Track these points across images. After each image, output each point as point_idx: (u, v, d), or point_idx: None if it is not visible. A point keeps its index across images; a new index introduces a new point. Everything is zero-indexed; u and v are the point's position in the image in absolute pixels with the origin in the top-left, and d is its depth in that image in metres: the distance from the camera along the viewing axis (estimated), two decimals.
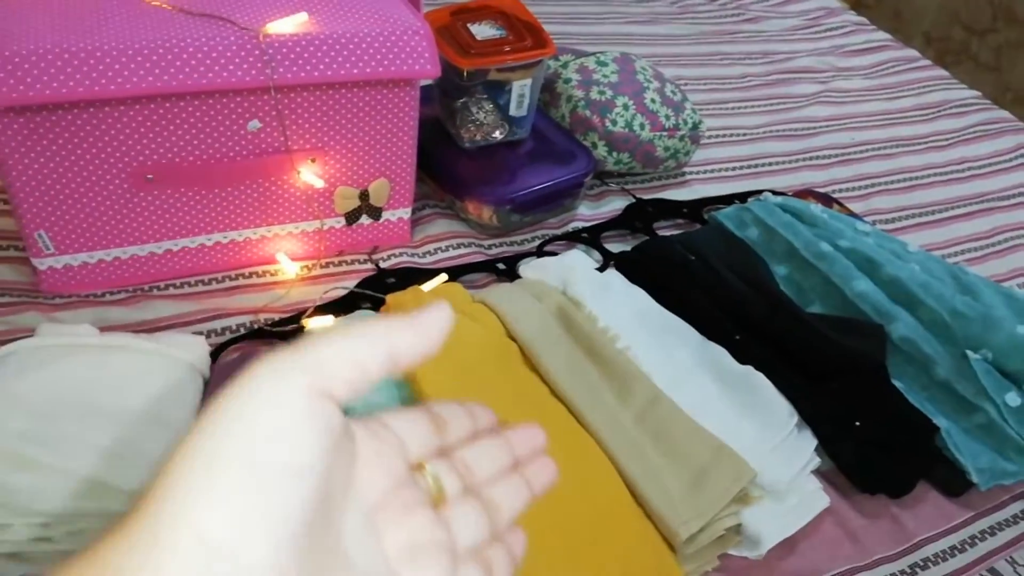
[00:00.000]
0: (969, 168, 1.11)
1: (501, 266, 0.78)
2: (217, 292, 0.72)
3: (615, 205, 0.90)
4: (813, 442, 0.63)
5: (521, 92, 0.83)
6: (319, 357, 0.23)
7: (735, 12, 1.43)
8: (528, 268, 0.75)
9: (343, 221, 0.76)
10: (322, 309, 0.70)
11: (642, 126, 0.90)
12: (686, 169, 1.00)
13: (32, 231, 0.65)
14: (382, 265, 0.77)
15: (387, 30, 0.67)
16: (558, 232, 0.85)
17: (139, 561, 0.19)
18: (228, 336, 0.67)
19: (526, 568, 0.52)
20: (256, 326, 0.68)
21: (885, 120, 1.19)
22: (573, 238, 0.83)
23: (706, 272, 0.75)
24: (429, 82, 0.84)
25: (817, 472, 0.63)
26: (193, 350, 0.60)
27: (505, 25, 0.82)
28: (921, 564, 0.61)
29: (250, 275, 0.74)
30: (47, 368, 0.55)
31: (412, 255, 0.79)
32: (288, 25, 0.65)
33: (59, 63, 0.58)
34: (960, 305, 0.72)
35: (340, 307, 0.70)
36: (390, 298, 0.68)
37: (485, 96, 0.83)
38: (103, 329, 0.61)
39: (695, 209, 0.90)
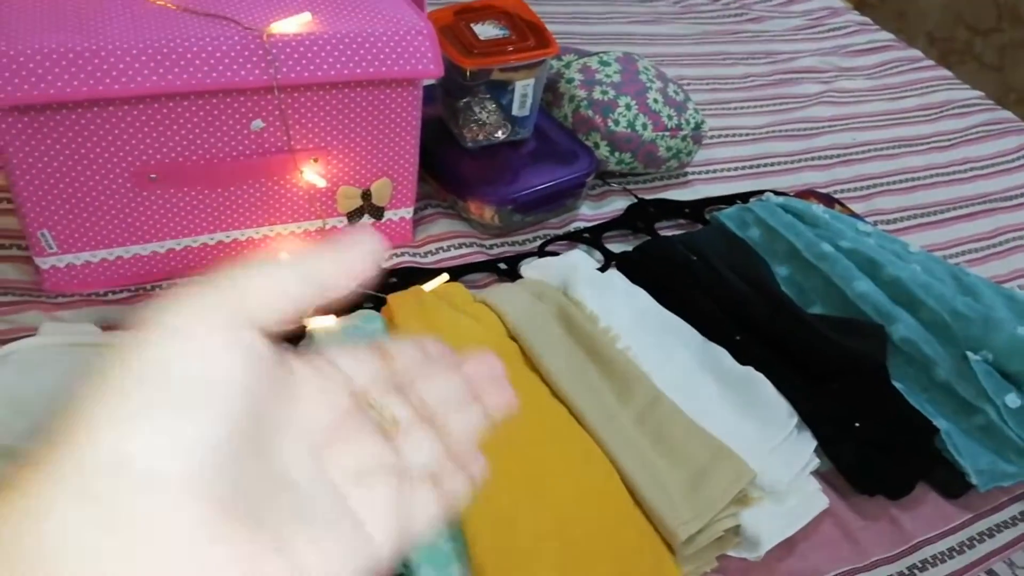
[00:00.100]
0: (972, 169, 1.11)
1: (502, 266, 0.78)
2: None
3: (617, 205, 0.91)
4: (813, 443, 0.64)
5: (524, 92, 0.83)
6: (240, 286, 0.23)
7: (738, 12, 1.43)
8: (529, 268, 0.76)
9: (345, 221, 0.76)
10: (323, 308, 0.70)
11: (644, 126, 0.90)
12: (688, 169, 1.00)
13: (35, 230, 0.65)
14: (384, 265, 0.77)
15: (390, 30, 0.67)
16: (560, 232, 0.85)
17: (58, 487, 0.19)
18: None
19: (525, 569, 0.52)
20: None
21: (888, 120, 1.19)
22: (575, 238, 0.83)
23: (707, 272, 0.76)
24: (432, 82, 0.84)
25: (816, 473, 0.63)
26: None
27: (508, 25, 0.82)
28: (920, 566, 0.61)
29: None
30: (49, 367, 0.55)
31: (414, 255, 0.80)
32: (292, 25, 0.65)
33: (63, 62, 0.58)
34: (961, 306, 0.72)
35: (341, 307, 0.70)
36: (391, 298, 0.68)
37: (488, 96, 0.84)
38: (105, 328, 0.62)
39: (697, 209, 0.90)
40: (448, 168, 0.84)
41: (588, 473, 0.58)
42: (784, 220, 0.82)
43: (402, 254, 0.79)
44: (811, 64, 1.30)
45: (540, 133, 0.88)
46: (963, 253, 0.95)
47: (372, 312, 0.70)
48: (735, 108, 1.15)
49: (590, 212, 0.90)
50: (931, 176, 1.08)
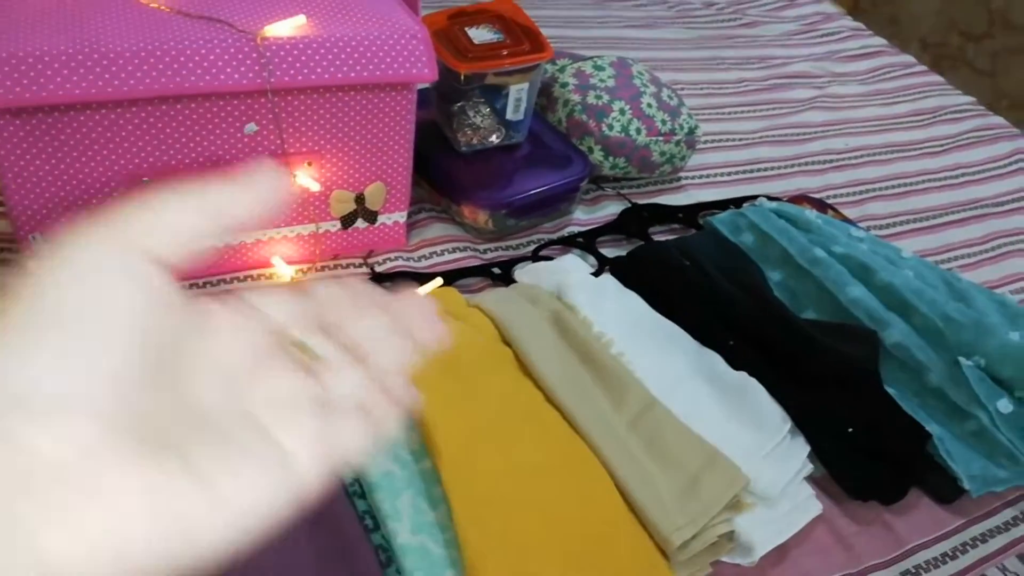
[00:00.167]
0: (964, 174, 1.12)
1: (496, 271, 0.78)
2: (212, 295, 0.72)
3: (611, 210, 0.91)
4: (806, 448, 0.64)
5: (518, 96, 0.83)
6: (138, 220, 0.23)
7: (732, 17, 1.43)
8: (523, 273, 0.76)
9: (339, 225, 0.76)
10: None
11: (638, 131, 0.90)
12: (682, 174, 1.00)
13: (26, 234, 0.65)
14: (377, 269, 0.77)
15: (384, 34, 0.67)
16: (553, 237, 0.85)
17: None
18: None
19: (519, 573, 0.52)
20: None
21: (880, 126, 1.19)
22: (568, 243, 0.83)
23: (701, 278, 0.76)
24: (426, 86, 0.84)
25: (810, 479, 0.63)
26: None
27: (502, 29, 0.82)
28: (913, 571, 0.61)
29: (245, 278, 0.74)
30: None
31: (407, 259, 0.79)
32: (286, 28, 0.65)
33: (55, 65, 0.57)
34: (953, 312, 0.73)
35: None
36: None
37: (482, 100, 0.84)
38: None
39: (690, 214, 0.90)
40: (442, 172, 0.84)
41: (581, 478, 0.58)
42: (777, 225, 0.82)
43: (396, 258, 0.79)
44: (804, 69, 1.30)
45: (534, 137, 0.88)
46: (955, 258, 0.96)
47: None
48: (729, 113, 1.15)
49: (584, 217, 0.90)
50: (923, 181, 1.09)
